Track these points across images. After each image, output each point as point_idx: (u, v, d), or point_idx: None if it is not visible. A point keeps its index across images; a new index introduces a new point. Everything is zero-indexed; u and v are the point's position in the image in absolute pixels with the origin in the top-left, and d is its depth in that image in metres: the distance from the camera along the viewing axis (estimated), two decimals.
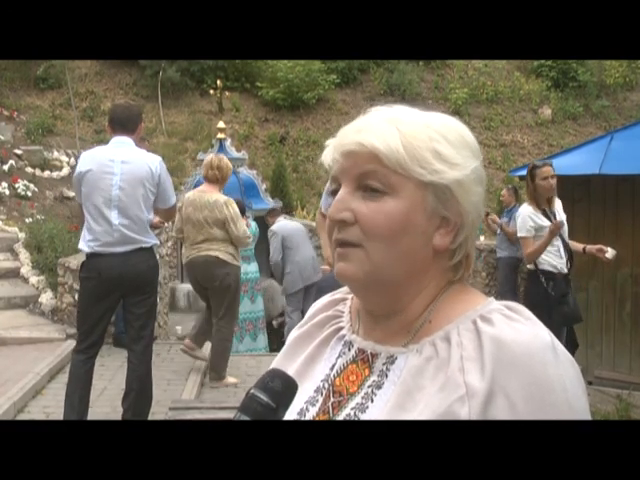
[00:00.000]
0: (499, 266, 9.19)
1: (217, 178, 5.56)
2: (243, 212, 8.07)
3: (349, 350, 1.03)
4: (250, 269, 8.00)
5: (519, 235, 5.17)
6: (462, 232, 0.96)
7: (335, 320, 1.09)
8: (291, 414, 1.00)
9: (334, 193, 0.98)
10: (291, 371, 1.08)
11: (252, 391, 0.90)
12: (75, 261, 4.89)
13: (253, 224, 8.08)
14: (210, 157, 5.73)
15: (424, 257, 0.95)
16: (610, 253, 5.17)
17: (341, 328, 1.07)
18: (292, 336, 1.15)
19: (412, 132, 0.93)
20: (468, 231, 0.97)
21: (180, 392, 5.53)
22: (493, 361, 0.87)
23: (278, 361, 1.13)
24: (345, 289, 1.11)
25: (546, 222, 5.00)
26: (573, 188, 5.76)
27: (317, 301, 1.16)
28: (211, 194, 5.49)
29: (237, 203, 8.12)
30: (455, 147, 0.95)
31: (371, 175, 0.93)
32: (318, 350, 1.08)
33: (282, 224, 8.66)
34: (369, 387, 0.97)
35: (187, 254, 5.70)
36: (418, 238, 0.94)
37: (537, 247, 5.01)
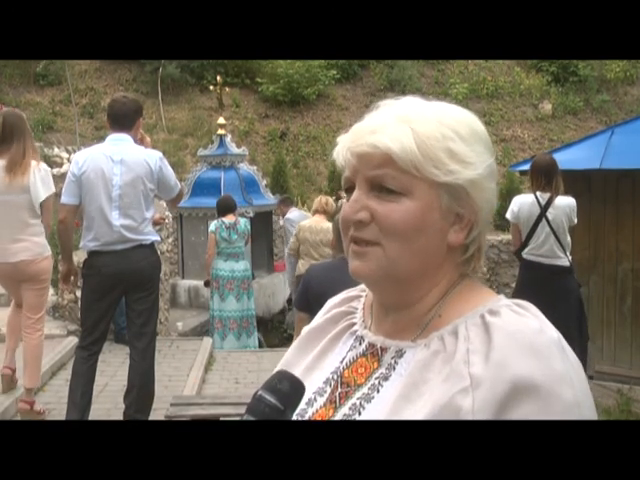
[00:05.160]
0: None
1: (325, 211, 7.61)
2: (233, 209, 8.02)
3: (360, 344, 1.05)
4: (237, 267, 7.98)
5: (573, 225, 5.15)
6: (476, 227, 0.97)
7: (348, 316, 1.11)
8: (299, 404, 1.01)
9: (348, 191, 0.98)
10: (303, 365, 1.10)
11: (260, 393, 0.89)
12: (76, 258, 4.88)
13: (242, 221, 8.03)
14: (320, 198, 7.89)
15: (439, 253, 0.96)
16: None
17: (354, 324, 1.09)
18: (305, 330, 1.16)
19: (425, 131, 0.92)
20: (482, 226, 0.98)
21: (181, 388, 5.54)
22: (501, 349, 0.87)
23: (290, 355, 1.15)
24: (360, 286, 1.12)
25: None
26: (574, 183, 5.74)
27: (332, 298, 1.17)
28: (324, 222, 7.36)
29: (226, 199, 8.10)
30: (468, 144, 0.95)
31: (386, 176, 0.93)
32: (330, 344, 1.10)
33: (299, 214, 8.81)
34: (376, 379, 0.98)
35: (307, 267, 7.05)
36: (434, 235, 0.95)
37: None
